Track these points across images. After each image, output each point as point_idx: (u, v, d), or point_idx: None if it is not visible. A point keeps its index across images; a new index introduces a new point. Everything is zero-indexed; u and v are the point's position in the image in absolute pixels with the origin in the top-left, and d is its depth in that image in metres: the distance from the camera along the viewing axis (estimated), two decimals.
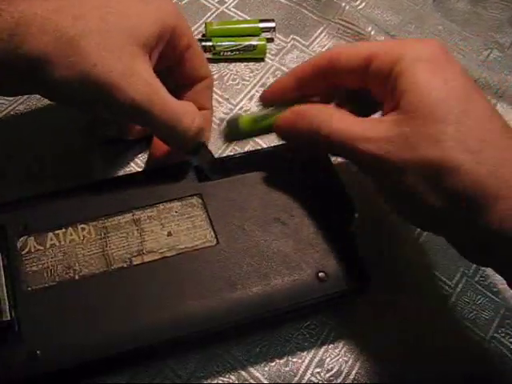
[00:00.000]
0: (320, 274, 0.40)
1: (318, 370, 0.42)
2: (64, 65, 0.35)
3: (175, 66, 0.44)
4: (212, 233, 0.41)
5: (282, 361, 0.42)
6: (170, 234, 0.41)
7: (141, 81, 0.37)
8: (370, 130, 0.36)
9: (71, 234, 0.40)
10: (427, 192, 0.35)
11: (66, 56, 0.35)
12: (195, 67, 0.45)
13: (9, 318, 0.36)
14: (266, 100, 0.44)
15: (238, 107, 0.55)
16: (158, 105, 0.38)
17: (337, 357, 0.43)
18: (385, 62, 0.37)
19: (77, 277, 0.39)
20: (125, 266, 0.39)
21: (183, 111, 0.40)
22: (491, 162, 0.33)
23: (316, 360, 0.43)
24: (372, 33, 0.61)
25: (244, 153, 0.48)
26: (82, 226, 0.40)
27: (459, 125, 0.34)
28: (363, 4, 0.65)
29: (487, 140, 0.34)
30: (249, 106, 0.55)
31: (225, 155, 0.50)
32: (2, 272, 0.37)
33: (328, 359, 0.43)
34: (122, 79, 0.36)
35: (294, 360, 0.42)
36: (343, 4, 0.63)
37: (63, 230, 0.40)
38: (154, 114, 0.38)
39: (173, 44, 0.42)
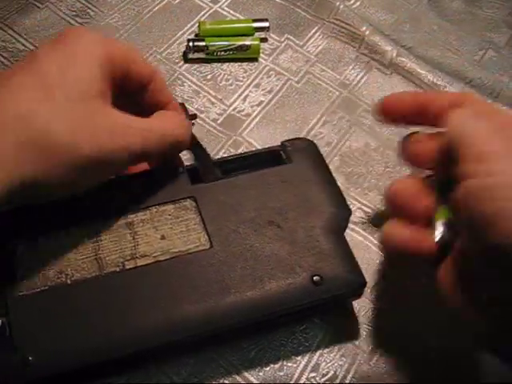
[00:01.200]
0: (315, 278, 0.39)
1: (313, 374, 0.42)
2: (49, 166, 0.33)
3: (140, 92, 0.42)
4: (206, 236, 0.40)
5: (276, 365, 0.42)
6: (163, 238, 0.40)
7: (122, 130, 0.36)
8: None
9: (63, 238, 0.39)
10: None
11: (43, 155, 0.32)
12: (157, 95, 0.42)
13: (0, 324, 0.36)
14: (381, 112, 0.42)
15: (231, 108, 0.55)
16: (150, 138, 0.37)
17: (332, 361, 0.43)
18: None
19: (69, 281, 0.38)
20: (117, 270, 0.38)
21: (170, 127, 0.40)
22: None
23: (311, 364, 0.42)
24: (366, 33, 0.60)
25: (238, 154, 0.47)
26: (75, 229, 0.40)
27: None
28: (358, 3, 0.65)
29: None
30: (242, 106, 0.55)
31: (218, 157, 0.50)
32: None
33: (323, 363, 0.42)
34: (109, 143, 0.35)
35: (289, 364, 0.42)
36: (337, 3, 0.62)
37: (55, 233, 0.39)
38: (151, 146, 0.37)
39: (126, 77, 0.39)
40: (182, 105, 0.52)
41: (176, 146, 0.41)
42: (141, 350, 0.37)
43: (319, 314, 0.44)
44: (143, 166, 0.44)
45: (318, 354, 0.43)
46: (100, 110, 0.36)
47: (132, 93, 0.40)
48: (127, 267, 0.39)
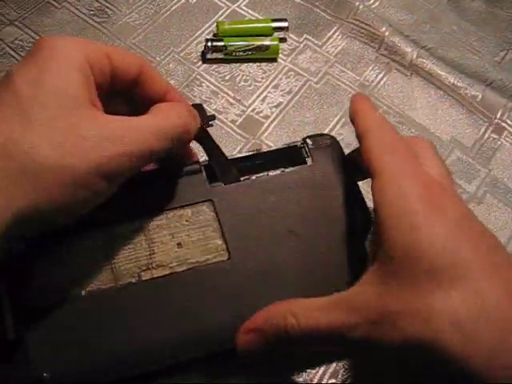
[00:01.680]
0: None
1: (333, 380, 0.41)
2: (43, 193, 0.30)
3: (133, 88, 0.39)
4: (224, 245, 0.39)
5: (295, 371, 0.41)
6: (180, 246, 0.38)
7: (116, 135, 0.33)
8: (349, 310, 0.32)
9: (77, 245, 0.37)
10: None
11: (34, 183, 0.30)
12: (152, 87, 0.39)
13: (14, 337, 0.34)
14: None
15: (250, 109, 0.54)
16: (149, 137, 0.34)
17: (351, 367, 0.42)
18: None
19: (83, 293, 0.36)
20: (133, 281, 0.37)
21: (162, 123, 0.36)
22: (486, 346, 0.28)
23: (330, 371, 0.41)
24: (386, 33, 0.59)
25: (257, 151, 0.44)
26: (88, 234, 0.38)
27: (451, 294, 0.29)
28: (377, 3, 0.64)
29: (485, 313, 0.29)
30: (261, 107, 0.54)
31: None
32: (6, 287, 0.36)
33: (342, 370, 0.42)
34: (102, 154, 0.32)
35: (308, 370, 0.41)
36: (357, 3, 0.61)
37: (68, 240, 0.37)
38: (153, 146, 0.34)
39: (104, 70, 0.37)
40: (200, 105, 0.52)
41: (179, 138, 0.37)
42: (159, 366, 0.36)
43: None
44: None
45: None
46: (86, 119, 0.32)
47: (124, 91, 0.38)
48: (143, 278, 0.37)
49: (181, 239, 0.39)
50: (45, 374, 0.34)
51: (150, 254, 0.38)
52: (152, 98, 0.39)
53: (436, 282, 0.29)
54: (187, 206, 0.40)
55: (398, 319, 0.30)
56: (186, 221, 0.39)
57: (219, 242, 0.39)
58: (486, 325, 0.28)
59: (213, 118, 0.52)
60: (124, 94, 0.38)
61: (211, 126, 0.52)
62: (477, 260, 0.30)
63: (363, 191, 0.43)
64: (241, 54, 0.56)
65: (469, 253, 0.30)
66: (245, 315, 0.36)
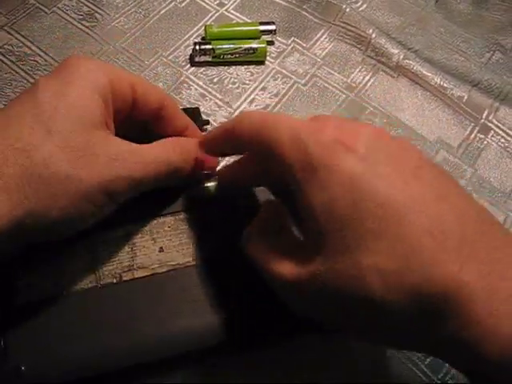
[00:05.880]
0: None
1: None
2: (50, 198, 0.31)
3: (152, 120, 0.40)
4: (204, 249, 0.39)
5: None
6: (161, 250, 0.38)
7: (122, 158, 0.34)
8: (285, 265, 0.32)
9: (61, 248, 0.37)
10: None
11: (45, 188, 0.31)
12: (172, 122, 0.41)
13: None
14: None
15: (238, 111, 0.53)
16: (148, 167, 0.36)
17: None
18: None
19: (65, 292, 0.36)
20: (114, 281, 0.37)
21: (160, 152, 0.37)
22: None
23: None
24: (373, 35, 0.59)
25: None
26: (73, 239, 0.37)
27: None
28: (364, 6, 0.63)
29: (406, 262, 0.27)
30: (249, 110, 0.53)
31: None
32: None
33: None
34: (108, 172, 0.33)
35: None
36: (344, 6, 0.61)
37: (54, 244, 0.37)
38: (150, 175, 0.36)
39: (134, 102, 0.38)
40: (197, 109, 0.51)
41: (175, 174, 0.38)
42: (136, 364, 0.36)
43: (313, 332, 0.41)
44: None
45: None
46: (100, 139, 0.34)
47: (143, 121, 0.39)
48: (124, 279, 0.37)
49: (162, 244, 0.39)
50: (22, 368, 0.34)
51: (132, 257, 0.38)
52: (171, 133, 0.40)
53: (362, 239, 0.28)
54: (169, 214, 0.40)
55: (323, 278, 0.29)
56: (169, 227, 0.40)
57: (199, 246, 0.39)
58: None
59: (207, 122, 0.51)
60: (140, 122, 0.39)
61: (205, 130, 0.51)
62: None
63: None
64: (229, 56, 0.55)
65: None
66: (224, 314, 0.37)
